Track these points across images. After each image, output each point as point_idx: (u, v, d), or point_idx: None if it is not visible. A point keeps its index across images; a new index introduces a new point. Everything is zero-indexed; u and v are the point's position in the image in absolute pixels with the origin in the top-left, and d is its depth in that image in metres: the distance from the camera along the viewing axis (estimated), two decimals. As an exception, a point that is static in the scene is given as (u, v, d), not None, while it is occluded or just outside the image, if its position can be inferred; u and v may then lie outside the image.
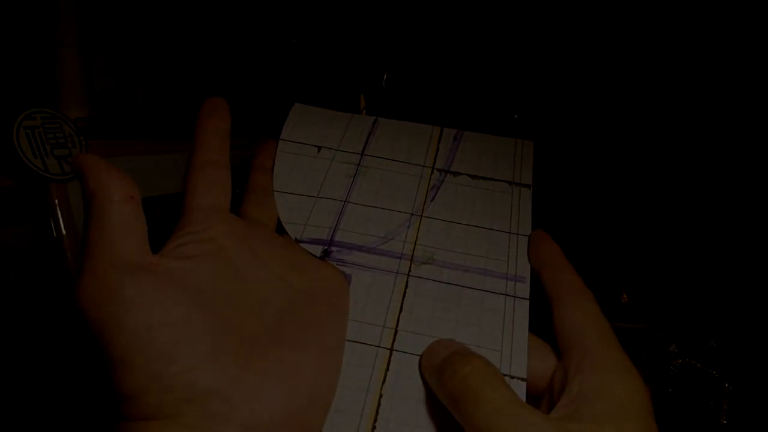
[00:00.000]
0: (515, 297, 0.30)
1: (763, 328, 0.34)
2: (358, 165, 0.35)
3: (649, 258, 0.36)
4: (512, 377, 0.27)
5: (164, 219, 0.36)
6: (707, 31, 0.37)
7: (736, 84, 0.38)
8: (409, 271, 0.31)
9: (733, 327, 0.34)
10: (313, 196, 0.33)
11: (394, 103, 0.39)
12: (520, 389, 0.26)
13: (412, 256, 0.31)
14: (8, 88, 0.34)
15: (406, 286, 0.30)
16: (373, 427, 0.26)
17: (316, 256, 0.31)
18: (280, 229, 0.32)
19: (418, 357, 0.28)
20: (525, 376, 0.27)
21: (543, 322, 0.29)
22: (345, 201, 0.33)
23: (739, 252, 0.36)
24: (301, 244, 0.31)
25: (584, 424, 0.23)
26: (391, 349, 0.28)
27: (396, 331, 0.29)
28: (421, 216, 0.33)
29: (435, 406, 0.26)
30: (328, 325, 0.27)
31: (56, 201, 0.34)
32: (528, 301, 0.29)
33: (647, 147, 0.39)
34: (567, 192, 0.38)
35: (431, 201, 0.33)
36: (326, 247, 0.31)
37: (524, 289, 0.30)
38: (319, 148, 0.35)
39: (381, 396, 0.27)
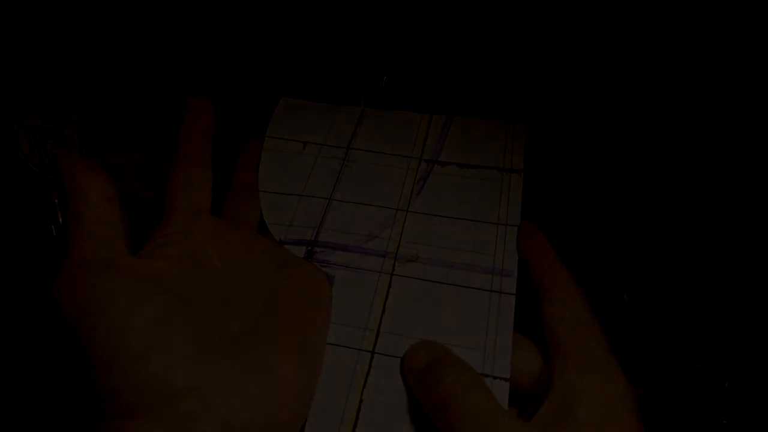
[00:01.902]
0: (501, 293, 0.29)
1: (763, 328, 0.34)
2: (344, 159, 0.34)
3: (650, 257, 0.36)
4: (495, 377, 0.27)
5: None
6: (707, 19, 0.37)
7: (740, 75, 0.38)
8: (393, 269, 0.30)
9: (733, 327, 0.34)
10: (297, 195, 0.33)
11: (394, 104, 0.39)
12: (503, 390, 0.26)
13: (396, 254, 0.31)
14: (8, 88, 0.34)
15: (390, 286, 0.30)
16: None
17: (298, 256, 0.30)
18: (264, 228, 0.32)
19: (400, 359, 0.27)
20: (508, 377, 0.27)
21: (531, 315, 0.29)
22: (330, 199, 0.32)
23: (740, 252, 0.36)
24: (285, 246, 0.31)
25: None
26: (372, 352, 0.28)
27: (378, 333, 0.28)
28: (407, 211, 0.32)
29: (416, 411, 0.26)
30: (308, 324, 0.27)
31: (56, 201, 0.34)
32: (514, 296, 0.29)
33: (652, 136, 0.39)
34: (566, 181, 0.38)
35: (417, 194, 0.33)
36: (310, 248, 0.31)
37: (511, 283, 0.29)
38: (305, 143, 0.35)
39: (361, 401, 0.26)
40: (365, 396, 0.26)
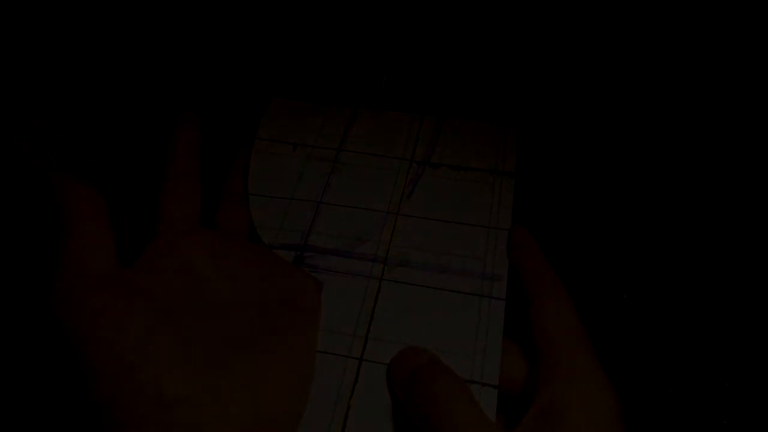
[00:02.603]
0: (491, 298, 0.29)
1: (763, 328, 0.34)
2: (334, 162, 0.34)
3: (650, 257, 0.36)
4: (483, 384, 0.26)
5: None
6: (700, 22, 0.37)
7: (738, 76, 0.38)
8: (383, 274, 0.30)
9: (733, 327, 0.34)
10: (287, 198, 0.32)
11: (389, 105, 0.39)
12: (491, 397, 0.26)
13: (386, 258, 0.30)
14: (8, 88, 0.34)
15: (379, 291, 0.29)
16: None
17: (288, 262, 0.30)
18: (254, 235, 0.32)
19: (388, 366, 0.27)
20: (496, 384, 0.26)
21: (520, 318, 0.29)
22: (319, 202, 0.32)
23: (740, 252, 0.36)
24: (274, 250, 0.31)
25: None
26: (361, 359, 0.28)
27: (366, 340, 0.28)
28: (397, 214, 0.32)
29: (404, 419, 0.26)
30: (298, 332, 0.27)
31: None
32: (504, 301, 0.29)
33: (650, 136, 0.39)
34: (566, 179, 0.38)
35: (408, 197, 0.33)
36: (299, 253, 0.31)
37: (501, 288, 0.29)
38: (295, 145, 0.35)
39: (349, 408, 0.26)
40: (353, 404, 0.26)
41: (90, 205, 0.26)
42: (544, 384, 0.25)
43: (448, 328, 0.28)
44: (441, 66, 0.40)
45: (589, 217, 0.37)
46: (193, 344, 0.24)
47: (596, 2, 0.39)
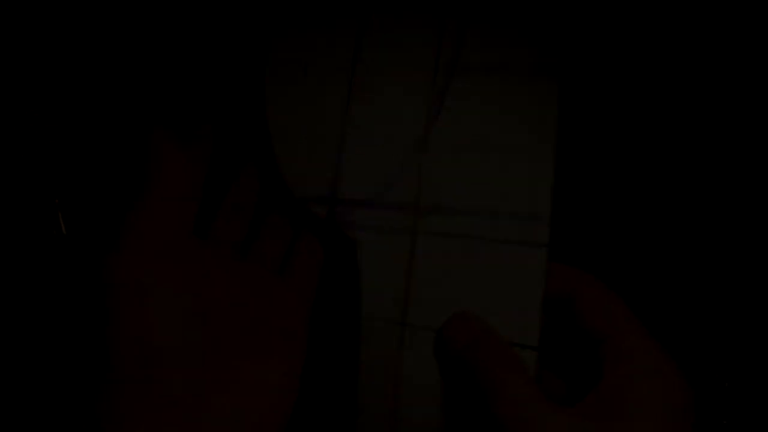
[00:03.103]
0: (531, 245, 0.26)
1: (763, 328, 0.34)
2: (350, 83, 0.29)
3: (650, 257, 0.36)
4: (524, 347, 0.25)
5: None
6: (716, 12, 0.37)
7: (741, 73, 0.38)
8: (416, 225, 0.27)
9: (733, 327, 0.34)
10: (307, 138, 0.29)
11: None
12: (531, 359, 0.25)
13: (418, 205, 0.27)
14: (10, 89, 0.34)
15: (414, 246, 0.27)
16: (396, 411, 0.25)
17: (277, 276, 0.29)
18: (250, 236, 0.31)
19: (432, 331, 0.26)
20: (537, 345, 0.25)
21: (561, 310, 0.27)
22: (342, 136, 0.29)
23: (740, 252, 0.36)
24: (308, 206, 0.28)
25: (610, 423, 0.23)
26: (404, 324, 0.26)
27: (407, 303, 0.26)
28: (425, 143, 0.28)
29: (455, 388, 0.25)
30: (280, 354, 0.27)
31: (56, 201, 0.34)
32: (546, 248, 0.26)
33: (651, 135, 0.39)
34: (566, 179, 0.38)
35: (436, 118, 0.28)
36: (331, 207, 0.28)
37: (543, 231, 0.26)
38: (306, 68, 0.30)
39: (399, 377, 0.25)
40: (404, 374, 0.25)
41: (182, 172, 0.26)
42: (607, 368, 0.24)
43: (486, 283, 0.26)
44: None
45: (589, 217, 0.37)
46: (204, 341, 0.25)
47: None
